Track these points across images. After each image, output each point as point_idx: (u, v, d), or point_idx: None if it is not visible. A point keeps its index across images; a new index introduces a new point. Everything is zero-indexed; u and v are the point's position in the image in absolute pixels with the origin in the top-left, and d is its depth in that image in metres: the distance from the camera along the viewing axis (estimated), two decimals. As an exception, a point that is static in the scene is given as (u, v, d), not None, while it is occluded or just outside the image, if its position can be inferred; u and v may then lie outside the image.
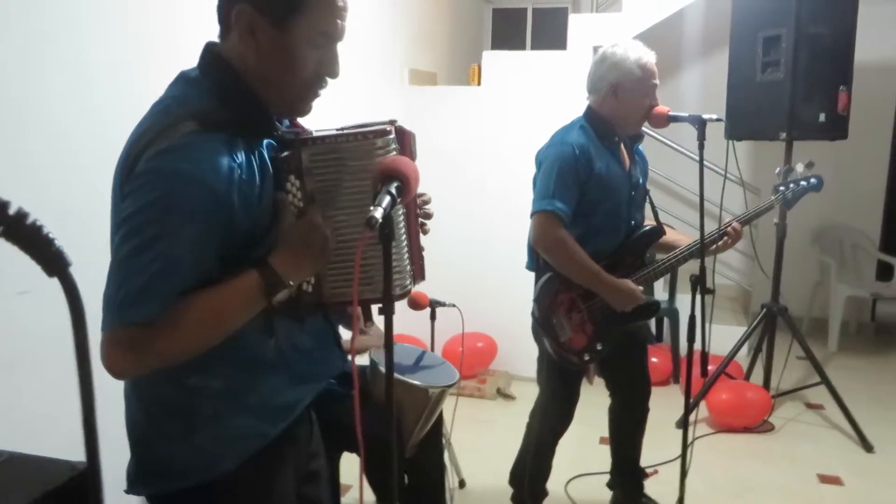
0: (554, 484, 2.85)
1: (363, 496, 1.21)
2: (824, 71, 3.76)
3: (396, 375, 2.25)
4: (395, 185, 1.17)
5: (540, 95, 4.36)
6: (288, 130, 1.33)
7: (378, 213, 1.09)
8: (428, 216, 1.44)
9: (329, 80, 1.30)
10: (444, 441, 2.90)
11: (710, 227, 2.47)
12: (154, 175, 1.11)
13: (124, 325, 1.11)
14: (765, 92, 3.82)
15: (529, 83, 4.42)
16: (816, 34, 3.73)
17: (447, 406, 2.91)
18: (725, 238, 2.52)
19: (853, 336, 5.59)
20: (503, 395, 4.27)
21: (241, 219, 1.18)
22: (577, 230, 2.40)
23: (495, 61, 4.55)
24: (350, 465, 2.38)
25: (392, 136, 1.29)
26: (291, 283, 1.21)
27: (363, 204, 1.25)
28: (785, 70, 3.73)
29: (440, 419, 2.82)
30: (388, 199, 1.13)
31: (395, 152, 1.30)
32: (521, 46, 6.57)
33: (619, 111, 2.44)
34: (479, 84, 4.63)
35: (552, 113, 3.92)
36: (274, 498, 1.34)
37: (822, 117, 3.76)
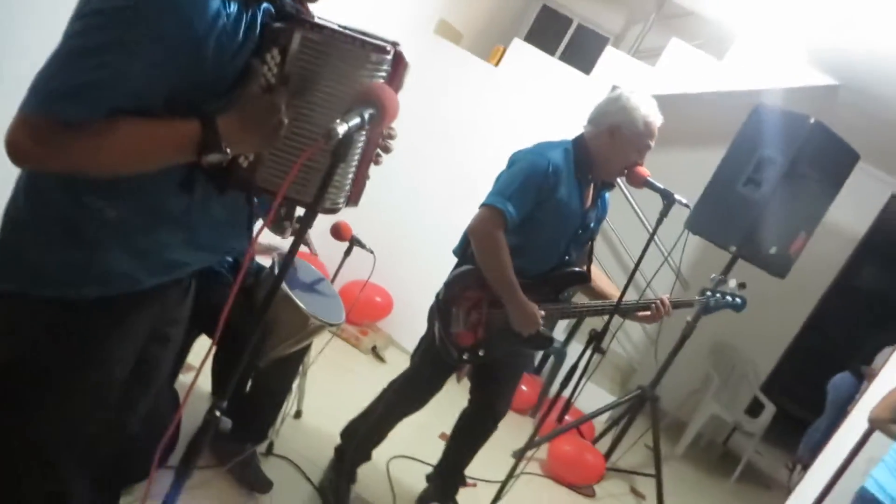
0: (378, 454, 2.88)
1: (198, 380, 1.18)
2: (796, 210, 3.88)
3: (287, 290, 2.22)
4: (370, 111, 1.15)
5: (545, 103, 4.35)
6: (291, 4, 1.28)
7: (341, 130, 1.07)
8: (387, 150, 1.42)
9: None
10: (300, 368, 2.89)
11: (632, 296, 2.52)
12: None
13: (44, 114, 1.05)
14: (737, 203, 3.92)
15: (542, 88, 4.41)
16: (806, 175, 3.84)
17: (319, 339, 2.89)
18: (652, 309, 2.57)
19: (701, 450, 5.85)
20: (376, 354, 4.29)
21: (208, 67, 1.13)
22: (514, 240, 2.40)
23: (521, 52, 4.52)
24: (201, 349, 2.33)
25: (389, 58, 1.27)
26: (228, 150, 1.16)
27: (330, 108, 1.23)
28: (763, 193, 3.83)
29: (307, 348, 2.81)
30: (357, 121, 1.11)
31: (384, 74, 1.27)
32: (551, 52, 6.53)
33: (607, 153, 2.45)
34: (496, 65, 4.58)
35: (547, 124, 3.97)
36: (114, 343, 1.29)
37: (773, 250, 3.89)
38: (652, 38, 6.37)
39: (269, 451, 2.78)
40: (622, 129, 2.41)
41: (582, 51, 6.56)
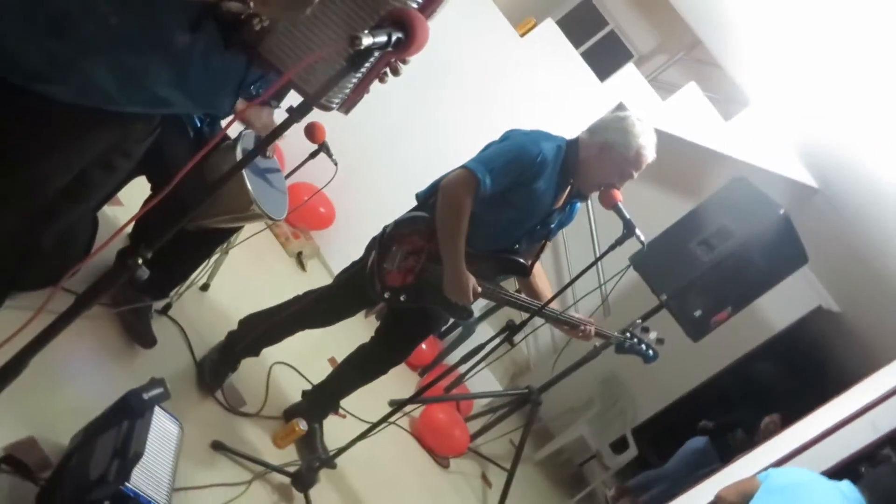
0: (266, 354, 2.89)
1: (128, 225, 1.15)
2: (733, 286, 4.01)
3: (242, 170, 2.19)
4: (399, 35, 1.13)
5: (551, 92, 4.34)
6: None
7: (365, 42, 1.05)
8: (396, 73, 1.39)
9: None
10: (224, 245, 2.86)
11: (557, 305, 2.58)
12: None
13: None
14: (684, 258, 4.02)
15: (554, 76, 4.40)
16: (755, 259, 3.96)
17: (252, 226, 2.87)
18: (578, 330, 2.63)
19: (557, 464, 6.06)
20: (300, 261, 4.26)
21: None
22: (476, 208, 2.41)
23: (549, 34, 4.49)
24: (138, 190, 2.28)
25: None
26: (252, 3, 1.12)
27: (361, 10, 1.20)
28: (711, 259, 3.95)
29: (237, 229, 2.78)
30: (383, 39, 1.09)
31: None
32: (576, 44, 6.51)
33: (592, 165, 2.47)
34: (521, 35, 4.53)
35: (544, 112, 3.96)
36: (67, 152, 1.26)
37: (697, 313, 4.02)
38: (673, 73, 6.44)
39: (165, 311, 2.75)
40: (614, 149, 2.43)
41: (604, 56, 6.57)
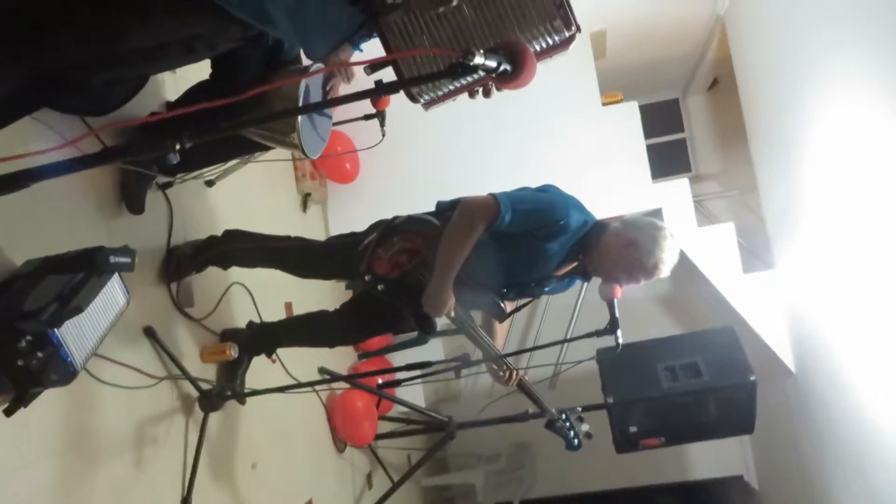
0: (231, 272, 2.91)
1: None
2: (677, 422, 4.05)
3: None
4: (507, 67, 1.15)
5: (605, 168, 4.41)
6: None
7: (476, 60, 1.07)
8: (487, 95, 1.41)
9: None
10: (246, 155, 2.87)
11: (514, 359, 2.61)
12: None
13: None
14: (646, 375, 4.05)
15: (613, 155, 4.47)
16: (709, 408, 4.00)
17: (279, 151, 2.87)
18: (508, 374, 2.65)
19: (436, 497, 6.06)
20: (304, 201, 4.26)
21: None
22: (485, 238, 2.42)
23: (628, 114, 4.55)
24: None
25: (565, 35, 1.28)
26: None
27: (486, 25, 1.22)
28: (669, 388, 3.98)
29: (267, 148, 2.78)
30: (492, 65, 1.11)
31: (548, 42, 1.29)
32: (647, 134, 6.58)
33: (609, 253, 2.47)
34: (602, 104, 4.57)
35: (588, 184, 3.97)
36: (166, 22, 1.27)
37: (633, 429, 4.06)
38: (718, 203, 6.49)
39: (164, 187, 2.74)
40: (638, 250, 2.44)
41: (666, 157, 6.62)
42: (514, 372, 2.65)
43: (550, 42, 1.26)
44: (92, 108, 1.94)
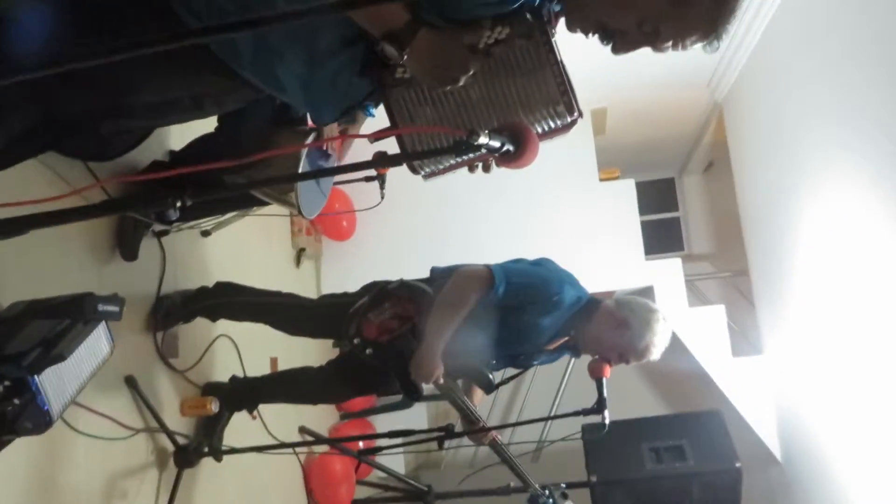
0: (219, 324, 2.87)
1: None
2: (663, 500, 3.98)
3: (303, 158, 2.26)
4: (510, 147, 1.16)
5: (599, 242, 4.43)
6: (549, 12, 1.30)
7: (480, 140, 1.08)
8: (487, 170, 1.43)
9: None
10: (245, 208, 2.88)
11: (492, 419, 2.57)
12: None
13: None
14: (630, 455, 4.02)
15: (609, 229, 4.49)
16: (692, 490, 3.93)
17: (274, 209, 2.88)
18: (484, 435, 2.61)
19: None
20: (298, 256, 4.26)
21: None
22: (477, 308, 2.41)
23: (624, 190, 4.62)
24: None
25: (567, 120, 1.30)
26: (405, 56, 1.16)
27: (492, 105, 1.26)
28: (653, 469, 3.93)
29: (265, 203, 2.79)
30: (496, 145, 1.13)
31: (551, 125, 1.32)
32: (642, 211, 6.67)
33: (601, 332, 2.47)
34: (600, 180, 4.64)
35: (582, 256, 4.00)
36: (178, 79, 1.30)
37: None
38: (709, 284, 6.52)
39: (160, 235, 2.74)
40: (629, 331, 2.44)
41: (659, 234, 6.69)
42: (491, 435, 2.61)
43: (552, 125, 1.29)
44: (96, 154, 1.96)
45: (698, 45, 1.27)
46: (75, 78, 1.24)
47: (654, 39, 1.24)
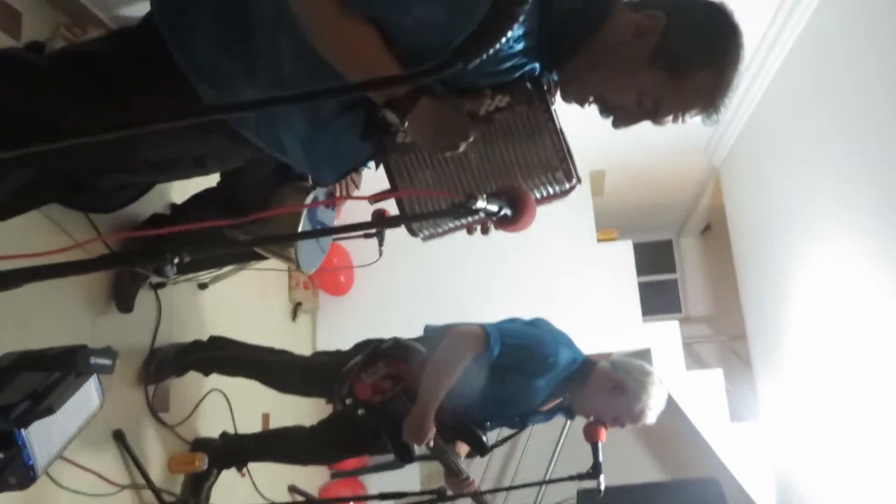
0: (211, 379, 2.84)
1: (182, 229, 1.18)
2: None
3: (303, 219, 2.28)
4: (508, 212, 1.18)
5: (596, 302, 4.42)
6: (548, 82, 1.33)
7: (478, 205, 1.09)
8: (486, 232, 1.44)
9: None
10: (243, 262, 2.89)
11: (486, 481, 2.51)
12: None
13: None
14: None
15: (606, 290, 4.49)
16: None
17: (272, 263, 2.88)
18: (468, 484, 2.55)
19: None
20: (294, 310, 4.24)
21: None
22: (472, 367, 2.39)
23: (622, 252, 4.65)
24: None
25: (565, 187, 1.32)
26: (406, 123, 1.19)
27: (492, 170, 1.28)
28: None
29: (264, 257, 2.81)
30: (494, 209, 1.14)
31: (549, 192, 1.35)
32: (639, 272, 6.68)
33: (596, 394, 2.45)
34: (598, 240, 4.66)
35: (579, 316, 3.99)
36: (185, 141, 1.32)
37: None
38: (707, 347, 6.49)
39: (156, 287, 2.74)
40: (625, 394, 2.42)
41: (656, 296, 6.68)
42: (472, 483, 2.56)
43: (550, 191, 1.31)
44: (97, 206, 1.97)
45: (698, 118, 1.30)
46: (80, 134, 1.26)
47: (654, 114, 1.27)
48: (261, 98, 1.04)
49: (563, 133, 1.32)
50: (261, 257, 2.81)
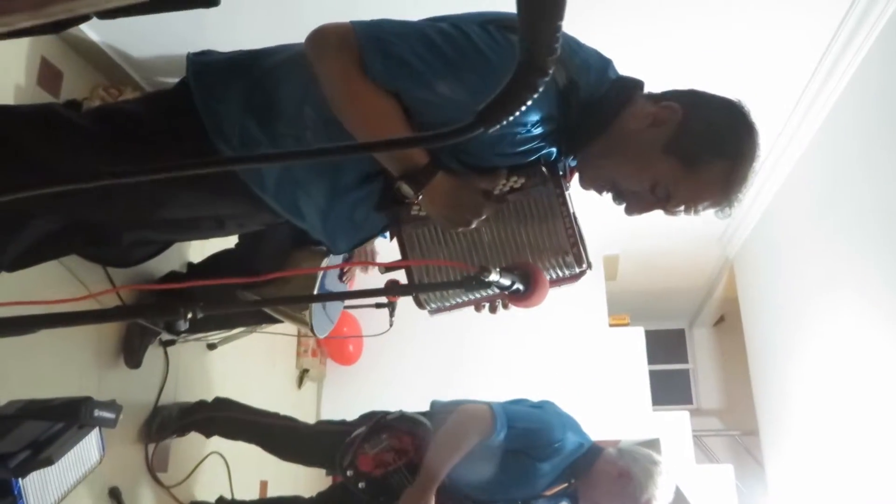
0: (211, 441, 2.82)
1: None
2: None
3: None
4: (520, 287, 1.19)
5: (606, 387, 4.37)
6: (563, 167, 1.37)
7: (492, 278, 1.10)
8: (494, 311, 1.45)
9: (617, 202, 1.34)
10: (254, 325, 2.90)
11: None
12: (485, 34, 1.19)
13: (360, 47, 1.16)
14: None
15: (616, 378, 4.44)
16: None
17: (282, 328, 2.89)
18: None
19: None
20: (301, 377, 4.22)
21: (479, 139, 1.21)
22: (477, 449, 2.35)
23: (634, 338, 4.60)
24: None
25: (575, 271, 1.34)
26: (420, 197, 1.21)
27: (504, 249, 1.30)
28: None
29: (276, 320, 2.82)
30: (507, 283, 1.15)
31: (559, 274, 1.36)
32: (650, 360, 6.62)
33: (602, 480, 2.39)
34: (609, 325, 4.64)
35: (587, 400, 3.94)
36: (203, 202, 1.37)
37: None
38: (717, 441, 6.34)
39: (166, 344, 2.75)
40: (631, 482, 2.37)
41: (667, 386, 6.58)
42: None
43: (560, 274, 1.32)
44: (116, 261, 2.01)
45: (710, 211, 1.32)
46: (105, 192, 1.30)
47: (667, 203, 1.29)
48: (273, 152, 1.08)
49: (576, 218, 1.34)
50: (272, 320, 2.83)
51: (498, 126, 0.50)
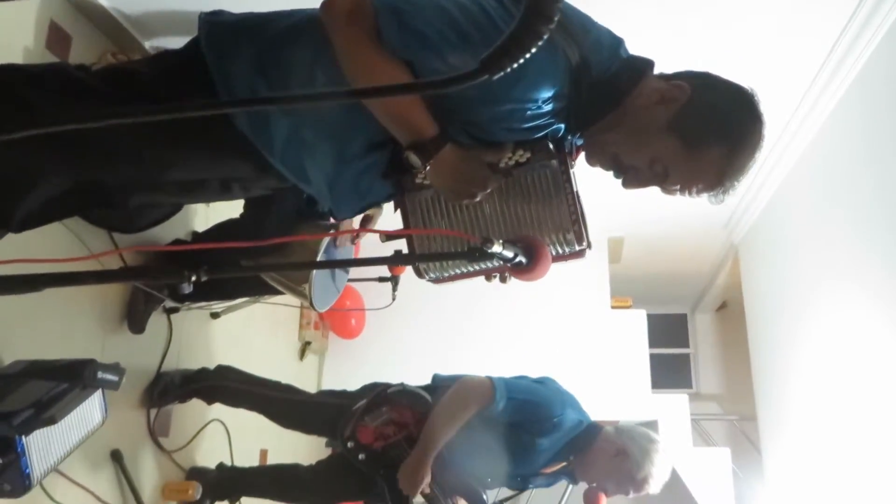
0: (213, 408, 2.83)
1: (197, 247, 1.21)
2: None
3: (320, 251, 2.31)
4: (522, 259, 1.19)
5: (605, 367, 4.38)
6: (570, 145, 1.37)
7: (494, 248, 1.11)
8: (504, 281, 1.45)
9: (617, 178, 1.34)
10: (256, 296, 2.91)
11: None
12: (501, 7, 1.20)
13: (377, 15, 1.17)
14: None
15: (616, 358, 4.45)
16: None
17: (285, 299, 2.90)
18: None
19: None
20: (303, 349, 4.24)
21: (490, 109, 1.21)
22: (476, 420, 2.37)
23: (635, 321, 4.61)
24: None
25: (576, 248, 1.34)
26: (428, 168, 1.22)
27: (506, 222, 1.31)
28: None
29: (277, 291, 2.82)
30: (509, 255, 1.16)
31: (560, 251, 1.36)
32: (651, 343, 6.62)
33: (599, 458, 2.41)
34: (611, 307, 4.65)
35: (586, 378, 3.95)
36: (210, 163, 1.37)
37: None
38: (715, 426, 6.37)
39: (170, 311, 2.76)
40: (628, 460, 2.39)
41: (667, 369, 6.60)
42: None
43: (560, 251, 1.33)
44: (121, 226, 2.02)
45: (704, 196, 1.33)
46: (112, 152, 1.30)
47: (663, 180, 1.30)
48: (291, 127, 1.07)
49: (579, 196, 1.35)
50: (275, 291, 2.84)
51: (501, 73, 0.49)
